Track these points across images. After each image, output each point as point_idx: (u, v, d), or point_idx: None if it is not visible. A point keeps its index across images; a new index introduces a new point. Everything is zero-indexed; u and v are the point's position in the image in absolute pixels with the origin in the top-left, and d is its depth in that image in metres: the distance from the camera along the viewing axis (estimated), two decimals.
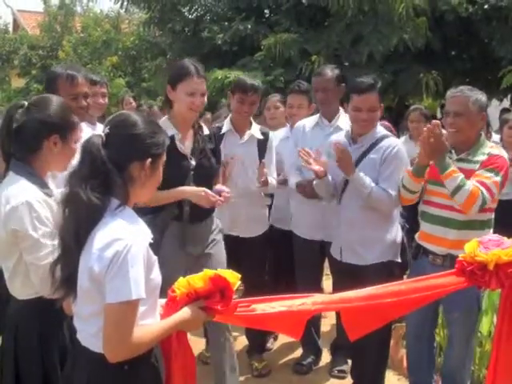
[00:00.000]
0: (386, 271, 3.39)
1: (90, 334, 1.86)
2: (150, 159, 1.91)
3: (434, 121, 3.07)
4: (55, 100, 2.43)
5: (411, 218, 3.77)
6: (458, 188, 2.97)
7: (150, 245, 2.28)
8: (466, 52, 10.11)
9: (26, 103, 2.39)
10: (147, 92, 15.32)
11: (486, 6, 9.17)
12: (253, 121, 4.04)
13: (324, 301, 2.35)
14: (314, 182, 3.61)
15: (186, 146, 3.29)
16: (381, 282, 2.44)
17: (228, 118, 4.02)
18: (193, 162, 3.28)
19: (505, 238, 2.49)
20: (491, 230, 3.13)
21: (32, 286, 2.29)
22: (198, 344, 4.15)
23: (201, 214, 3.30)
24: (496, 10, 9.15)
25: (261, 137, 3.97)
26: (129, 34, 15.91)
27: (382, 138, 3.48)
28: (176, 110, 3.29)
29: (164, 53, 12.50)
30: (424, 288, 2.40)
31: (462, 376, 3.25)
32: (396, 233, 3.55)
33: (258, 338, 4.27)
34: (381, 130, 3.57)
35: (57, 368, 2.30)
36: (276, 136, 4.24)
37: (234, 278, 2.00)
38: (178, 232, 3.28)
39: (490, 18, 9.27)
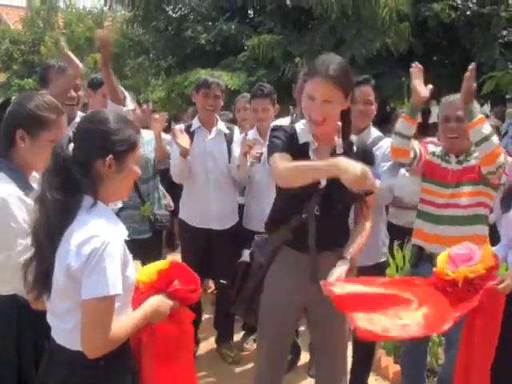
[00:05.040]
0: (381, 274, 3.34)
1: (65, 331, 1.86)
2: (110, 156, 1.87)
3: (471, 67, 3.01)
4: (36, 96, 2.37)
5: None
6: (487, 137, 2.91)
7: (256, 270, 2.65)
8: (448, 57, 10.20)
9: (14, 98, 2.38)
10: (130, 90, 15.23)
11: (468, 13, 9.30)
12: (218, 117, 4.30)
13: None
14: None
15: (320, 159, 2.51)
16: None
17: (196, 117, 4.28)
18: (323, 182, 2.52)
19: (474, 248, 2.48)
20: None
21: (8, 282, 2.26)
22: None
23: (331, 242, 2.59)
24: (478, 17, 9.27)
25: (227, 131, 4.24)
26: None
27: (379, 139, 3.47)
28: None
29: (147, 51, 12.46)
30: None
31: None
32: (385, 233, 3.57)
33: (227, 327, 4.44)
34: (374, 130, 3.52)
35: (32, 364, 2.27)
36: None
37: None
38: (303, 263, 2.57)
39: (472, 24, 9.39)
